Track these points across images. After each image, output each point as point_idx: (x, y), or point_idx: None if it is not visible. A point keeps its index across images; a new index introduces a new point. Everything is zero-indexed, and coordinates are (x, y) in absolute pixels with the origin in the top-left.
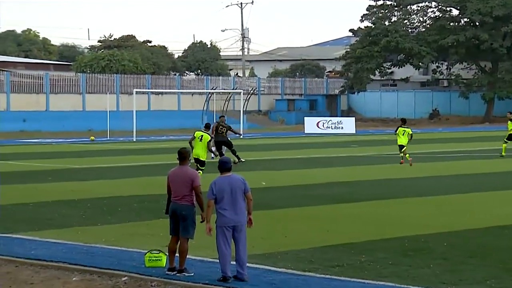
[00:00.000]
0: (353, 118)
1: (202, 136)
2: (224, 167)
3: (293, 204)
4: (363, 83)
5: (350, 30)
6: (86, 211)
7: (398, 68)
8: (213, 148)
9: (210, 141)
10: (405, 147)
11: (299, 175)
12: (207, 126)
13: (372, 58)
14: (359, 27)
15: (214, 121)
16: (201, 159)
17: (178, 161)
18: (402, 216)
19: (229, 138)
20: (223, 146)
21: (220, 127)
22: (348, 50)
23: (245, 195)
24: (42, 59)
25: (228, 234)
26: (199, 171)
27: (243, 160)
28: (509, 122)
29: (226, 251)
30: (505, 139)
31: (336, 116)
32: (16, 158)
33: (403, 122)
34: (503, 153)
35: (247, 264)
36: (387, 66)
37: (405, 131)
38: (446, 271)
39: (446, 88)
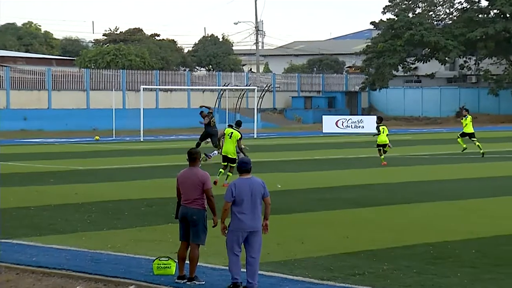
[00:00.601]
0: (375, 117)
1: (232, 133)
2: (244, 168)
3: (310, 208)
4: (385, 79)
5: (372, 23)
6: (91, 216)
7: (423, 63)
8: (242, 146)
9: (240, 139)
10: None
11: (317, 177)
12: (238, 124)
13: (394, 53)
14: (381, 19)
15: (227, 119)
16: (230, 156)
17: (187, 162)
18: (426, 221)
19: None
20: (208, 138)
21: (213, 119)
22: (369, 44)
23: (263, 200)
24: (44, 54)
25: (241, 240)
26: (230, 172)
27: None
28: (463, 118)
29: (237, 256)
30: (459, 135)
31: (356, 115)
32: (16, 159)
33: (380, 120)
34: (464, 146)
35: (261, 272)
36: (410, 61)
37: (384, 129)
38: (475, 281)
39: (474, 84)
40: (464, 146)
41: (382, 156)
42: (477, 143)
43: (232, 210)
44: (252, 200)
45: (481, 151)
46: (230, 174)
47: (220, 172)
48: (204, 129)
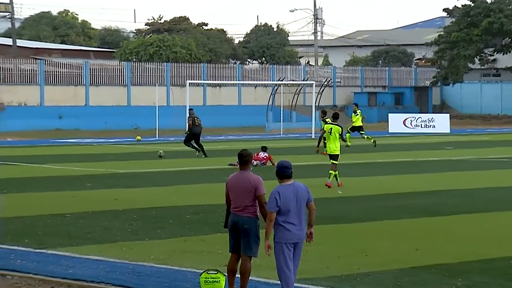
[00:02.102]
0: (447, 115)
1: (331, 129)
2: (284, 173)
3: (375, 217)
4: (459, 73)
5: (445, 10)
6: (132, 224)
7: (502, 54)
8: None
9: (341, 132)
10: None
11: (382, 182)
12: (335, 116)
13: (470, 43)
14: (455, 5)
15: (282, 118)
16: (335, 153)
17: (238, 165)
18: (506, 232)
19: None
20: (194, 139)
21: (196, 118)
22: (442, 33)
23: (308, 205)
24: (81, 45)
25: (291, 252)
26: (335, 170)
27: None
28: (353, 114)
29: (290, 271)
30: (348, 129)
31: (427, 113)
32: (50, 161)
33: (324, 113)
34: (348, 143)
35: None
36: (488, 53)
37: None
38: None
39: None
40: (349, 144)
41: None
42: (366, 137)
43: (278, 221)
44: (297, 207)
45: (372, 141)
46: (333, 173)
47: (332, 174)
48: (191, 130)
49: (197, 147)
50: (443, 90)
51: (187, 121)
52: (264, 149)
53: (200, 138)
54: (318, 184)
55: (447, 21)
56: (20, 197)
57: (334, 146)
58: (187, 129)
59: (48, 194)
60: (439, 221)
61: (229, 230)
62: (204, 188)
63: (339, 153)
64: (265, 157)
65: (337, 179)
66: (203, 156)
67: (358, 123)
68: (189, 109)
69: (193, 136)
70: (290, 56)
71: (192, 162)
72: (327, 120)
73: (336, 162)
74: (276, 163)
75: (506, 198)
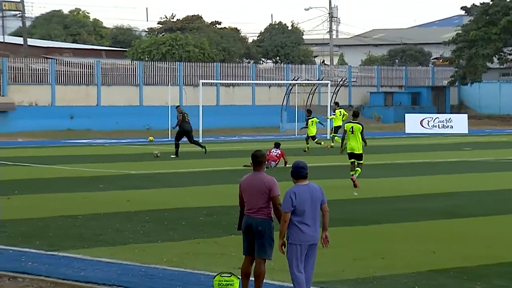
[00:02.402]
0: (465, 115)
1: (352, 127)
2: (300, 173)
3: (391, 219)
4: (477, 73)
5: (462, 8)
6: (144, 226)
7: None
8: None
9: (362, 130)
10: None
11: (399, 184)
12: (355, 114)
13: (489, 42)
14: (473, 4)
15: (296, 118)
16: (356, 152)
17: (252, 166)
18: None
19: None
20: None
21: (186, 115)
22: (460, 32)
23: (322, 207)
24: (93, 45)
25: (303, 254)
26: (358, 167)
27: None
28: (332, 114)
29: (301, 273)
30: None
31: (444, 113)
32: (62, 162)
33: (309, 113)
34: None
35: None
36: (507, 52)
37: (313, 121)
38: None
39: None
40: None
41: (308, 145)
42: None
43: (292, 221)
44: (312, 208)
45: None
46: (359, 170)
47: (352, 172)
48: (179, 127)
49: (193, 144)
50: (461, 90)
51: (177, 117)
52: (277, 145)
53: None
54: (333, 185)
55: (465, 19)
56: (31, 199)
57: (356, 145)
58: (175, 125)
59: (60, 196)
60: (457, 223)
61: (243, 232)
62: (217, 189)
63: (361, 152)
64: (278, 155)
65: (356, 175)
66: (203, 151)
67: (338, 122)
68: (177, 106)
69: (183, 133)
70: (305, 55)
71: (205, 163)
72: (310, 120)
73: (361, 162)
74: (289, 162)
75: None
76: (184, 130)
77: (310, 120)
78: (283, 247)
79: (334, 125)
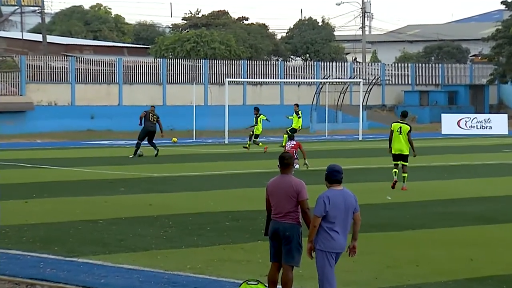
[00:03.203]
0: (505, 115)
1: (400, 128)
2: (335, 177)
3: (426, 224)
4: None
5: (503, 3)
6: (167, 231)
7: None
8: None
9: (410, 131)
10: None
11: (434, 187)
12: (404, 115)
13: None
14: None
15: (326, 118)
16: (405, 153)
17: (279, 169)
18: None
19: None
20: (147, 136)
21: (151, 114)
22: (500, 27)
23: (354, 215)
24: (114, 41)
25: (333, 262)
26: (404, 174)
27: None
28: (294, 114)
29: (333, 280)
30: (287, 130)
31: (483, 113)
32: (82, 164)
33: (257, 111)
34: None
35: None
36: None
37: (261, 119)
38: None
39: None
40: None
41: (260, 143)
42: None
43: (322, 227)
44: (345, 215)
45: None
46: (406, 175)
47: (395, 172)
48: (145, 129)
49: (137, 147)
50: (501, 89)
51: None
52: (291, 137)
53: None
54: (366, 189)
55: (505, 14)
56: (50, 202)
57: (403, 146)
58: (140, 123)
59: (80, 199)
60: (496, 229)
61: (270, 237)
62: (243, 193)
63: (408, 153)
64: (292, 146)
65: (395, 175)
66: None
67: (298, 124)
68: (151, 106)
69: (146, 133)
70: (336, 52)
71: (230, 166)
72: (259, 117)
73: (406, 164)
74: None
75: None
76: (147, 131)
77: (259, 118)
78: (312, 252)
79: (294, 127)
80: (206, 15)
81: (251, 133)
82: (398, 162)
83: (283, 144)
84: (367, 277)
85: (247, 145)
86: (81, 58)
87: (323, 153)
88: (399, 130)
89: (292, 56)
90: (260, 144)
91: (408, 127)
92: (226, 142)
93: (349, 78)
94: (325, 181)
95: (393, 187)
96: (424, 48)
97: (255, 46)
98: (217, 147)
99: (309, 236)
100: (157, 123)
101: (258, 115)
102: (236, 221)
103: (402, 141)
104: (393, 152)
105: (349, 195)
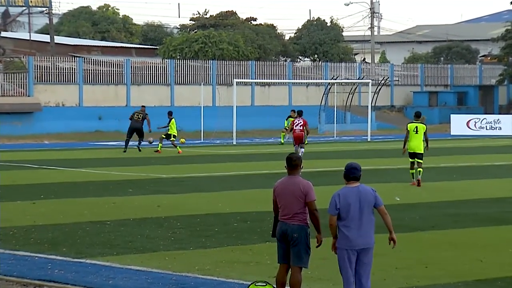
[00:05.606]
0: None
1: (416, 127)
2: (353, 174)
3: (435, 225)
4: None
5: None
6: (175, 232)
7: None
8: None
9: (426, 131)
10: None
11: (443, 188)
12: (417, 115)
13: None
14: None
15: (335, 118)
16: (418, 152)
17: (287, 170)
18: None
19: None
20: (134, 133)
21: (137, 114)
22: (509, 28)
23: (378, 210)
24: (122, 42)
25: (353, 259)
26: (420, 168)
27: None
28: (289, 118)
29: (352, 279)
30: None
31: (493, 113)
32: (89, 165)
33: (170, 114)
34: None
35: None
36: None
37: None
38: None
39: None
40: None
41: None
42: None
43: (338, 225)
44: (359, 211)
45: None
46: (421, 170)
47: (412, 173)
48: (131, 126)
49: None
50: (510, 89)
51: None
52: (300, 113)
53: (143, 138)
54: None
55: None
56: (58, 203)
57: (419, 144)
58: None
59: (87, 200)
60: (506, 230)
61: (278, 239)
62: (251, 194)
63: (423, 151)
64: (301, 125)
65: (413, 177)
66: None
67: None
68: (141, 106)
69: (131, 130)
70: (345, 53)
71: (239, 167)
72: (293, 116)
73: (421, 162)
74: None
75: None
76: (131, 128)
77: (172, 121)
78: (335, 247)
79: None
80: (214, 15)
81: (163, 136)
82: (414, 160)
83: (286, 126)
84: (376, 278)
85: (159, 149)
86: (89, 59)
87: (331, 154)
88: (415, 130)
89: (300, 57)
90: (178, 147)
91: (425, 126)
92: (234, 143)
93: (358, 79)
94: (344, 179)
95: (418, 184)
96: (433, 49)
97: (264, 46)
98: (225, 148)
99: (332, 234)
100: (145, 121)
101: (172, 117)
102: (244, 222)
103: (418, 140)
104: (409, 151)
105: (366, 190)
